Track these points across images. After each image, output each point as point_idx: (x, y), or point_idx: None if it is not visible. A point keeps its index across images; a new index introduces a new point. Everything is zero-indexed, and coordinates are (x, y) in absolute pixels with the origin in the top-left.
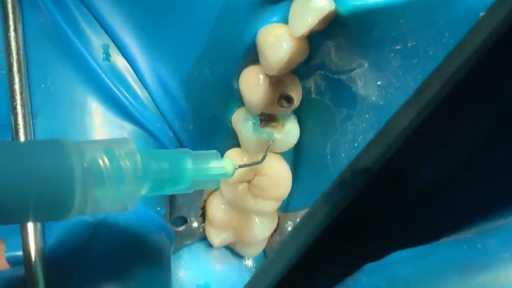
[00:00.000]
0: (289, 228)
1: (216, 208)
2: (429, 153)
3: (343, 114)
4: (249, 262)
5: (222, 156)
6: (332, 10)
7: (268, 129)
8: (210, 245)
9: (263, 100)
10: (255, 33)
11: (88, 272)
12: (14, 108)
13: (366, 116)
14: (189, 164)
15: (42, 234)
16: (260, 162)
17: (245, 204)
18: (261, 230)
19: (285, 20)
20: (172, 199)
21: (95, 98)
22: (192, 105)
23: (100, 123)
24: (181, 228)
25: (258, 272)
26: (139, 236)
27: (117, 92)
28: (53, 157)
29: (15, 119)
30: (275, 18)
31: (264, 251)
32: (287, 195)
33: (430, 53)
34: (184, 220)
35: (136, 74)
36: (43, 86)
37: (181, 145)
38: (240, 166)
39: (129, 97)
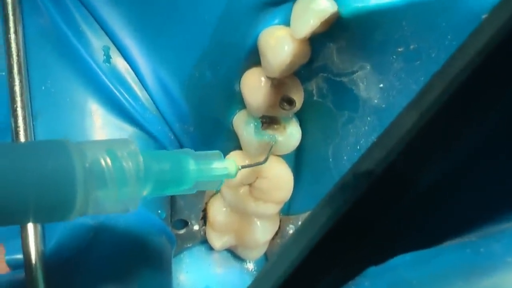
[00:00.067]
0: (291, 231)
1: (217, 211)
2: (432, 156)
3: (345, 116)
4: (250, 266)
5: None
6: (334, 12)
7: (269, 132)
8: (211, 248)
9: (265, 103)
10: (256, 35)
11: (89, 276)
12: (14, 110)
13: (368, 118)
14: (191, 164)
15: (43, 237)
16: (263, 162)
17: (246, 207)
18: (262, 233)
19: (287, 22)
20: (173, 202)
21: (96, 100)
22: (193, 107)
23: (101, 125)
24: (182, 231)
25: (260, 276)
26: (140, 239)
27: (118, 94)
28: (54, 158)
29: (15, 121)
30: (276, 20)
31: (265, 254)
32: (288, 198)
33: (433, 55)
34: (185, 223)
35: (137, 76)
36: (43, 88)
37: (181, 147)
38: (243, 167)
39: (129, 99)
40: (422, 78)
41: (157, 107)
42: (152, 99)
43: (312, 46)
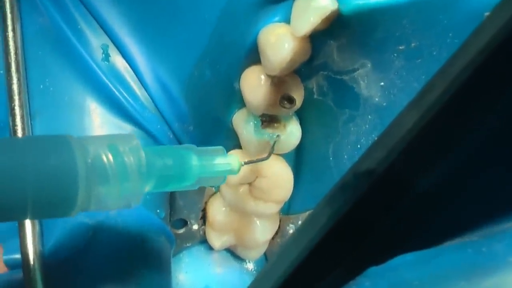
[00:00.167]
0: (291, 231)
1: (217, 210)
2: (433, 155)
3: (346, 115)
4: (250, 265)
5: None
6: (334, 10)
7: (269, 131)
8: (210, 248)
9: (265, 101)
10: (256, 33)
11: (87, 275)
12: (12, 109)
13: (369, 117)
14: (194, 160)
15: (41, 237)
16: (266, 158)
17: (246, 206)
18: (262, 232)
19: (287, 20)
20: (172, 201)
21: (94, 99)
22: (193, 106)
23: (99, 124)
24: (181, 231)
25: (260, 276)
26: (139, 239)
27: (117, 92)
28: (56, 153)
29: (13, 120)
30: (276, 18)
31: (265, 254)
32: (288, 197)
33: (434, 53)
34: (184, 223)
35: (136, 75)
36: (41, 86)
37: None
38: (246, 163)
39: (128, 98)
40: (423, 76)
41: (156, 106)
42: (151, 97)
43: (313, 43)
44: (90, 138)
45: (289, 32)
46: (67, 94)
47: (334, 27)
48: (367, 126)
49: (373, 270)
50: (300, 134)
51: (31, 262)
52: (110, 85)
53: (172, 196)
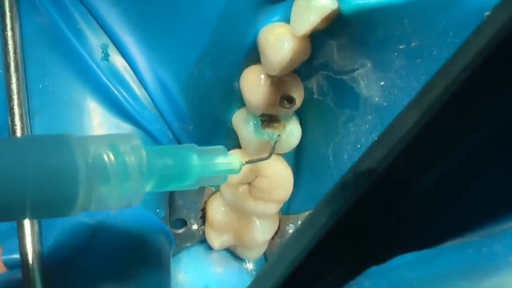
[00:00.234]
0: (290, 231)
1: (216, 210)
2: (434, 155)
3: (346, 115)
4: (249, 265)
5: None
6: (334, 9)
7: (269, 130)
8: (210, 248)
9: (264, 101)
10: (256, 32)
11: (87, 275)
12: (11, 109)
13: (369, 117)
14: (195, 160)
15: (40, 237)
16: (268, 158)
17: (246, 206)
18: (261, 232)
19: (286, 20)
20: (171, 201)
21: (94, 99)
22: (192, 105)
23: (99, 124)
24: (180, 231)
25: (259, 276)
26: (138, 239)
27: (116, 92)
28: (56, 153)
29: (12, 120)
30: (276, 18)
31: (264, 254)
32: (288, 197)
33: (434, 53)
34: (183, 223)
35: (135, 74)
36: (40, 86)
37: None
38: (247, 162)
39: (128, 98)
40: (424, 76)
41: (156, 106)
42: (150, 97)
43: (313, 43)
44: (90, 138)
45: (289, 31)
46: (66, 94)
47: (334, 27)
48: (367, 126)
49: (373, 270)
50: (300, 134)
51: (30, 262)
52: (109, 84)
53: (171, 195)
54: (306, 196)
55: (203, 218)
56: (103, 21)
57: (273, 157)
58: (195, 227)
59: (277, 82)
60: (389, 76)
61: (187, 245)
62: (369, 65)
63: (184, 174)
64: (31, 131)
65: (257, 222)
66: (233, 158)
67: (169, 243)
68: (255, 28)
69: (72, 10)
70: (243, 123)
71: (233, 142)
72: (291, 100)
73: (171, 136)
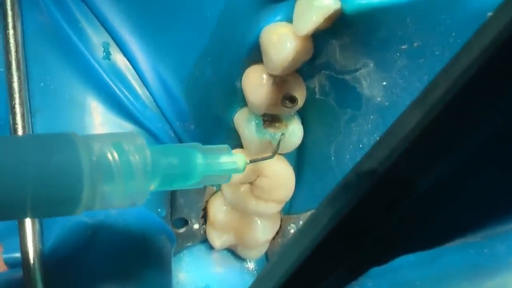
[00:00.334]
0: (292, 231)
1: (218, 209)
2: (436, 155)
3: (348, 115)
4: (250, 265)
5: None
6: (337, 9)
7: (271, 130)
8: (211, 248)
9: (266, 100)
10: (258, 32)
11: (87, 275)
12: (13, 107)
13: (371, 117)
14: (199, 159)
15: (41, 236)
16: (272, 157)
17: (247, 205)
18: (263, 232)
19: (289, 19)
20: (172, 200)
21: (95, 97)
22: (194, 105)
23: (100, 123)
24: (182, 230)
25: (261, 276)
26: (139, 238)
27: (117, 91)
28: (60, 151)
29: (14, 118)
30: (278, 17)
31: (266, 254)
32: (289, 197)
33: (437, 53)
34: (185, 222)
35: (137, 73)
36: (42, 84)
37: None
38: (251, 161)
39: (129, 96)
40: (426, 76)
41: (157, 105)
42: (152, 96)
43: (315, 43)
44: (94, 136)
45: (291, 31)
46: (68, 92)
47: (337, 27)
48: (369, 126)
49: (375, 270)
50: (302, 133)
51: (31, 260)
52: (111, 83)
53: (172, 195)
54: (307, 196)
55: (205, 218)
56: (105, 19)
57: (275, 156)
58: (196, 226)
59: (279, 81)
60: (392, 76)
61: (188, 244)
62: (371, 65)
63: (189, 173)
64: (32, 130)
65: (259, 221)
66: (237, 158)
67: (171, 242)
68: (257, 28)
69: (73, 8)
70: (245, 123)
71: (234, 141)
72: (293, 100)
73: (172, 135)
